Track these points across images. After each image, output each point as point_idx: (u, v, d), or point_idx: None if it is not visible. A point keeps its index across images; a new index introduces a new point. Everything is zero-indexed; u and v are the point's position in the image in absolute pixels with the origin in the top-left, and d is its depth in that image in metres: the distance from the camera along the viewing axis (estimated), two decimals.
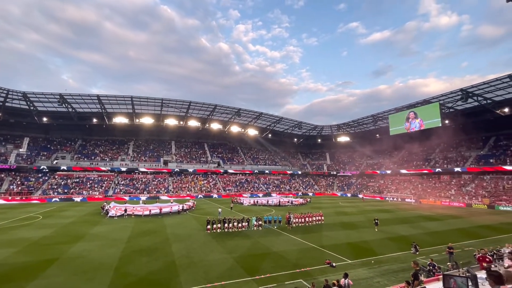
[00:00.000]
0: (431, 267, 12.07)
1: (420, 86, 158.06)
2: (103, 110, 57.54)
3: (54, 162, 55.16)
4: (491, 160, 48.96)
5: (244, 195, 58.70)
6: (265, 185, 69.00)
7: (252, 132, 75.97)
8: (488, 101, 46.57)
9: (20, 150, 54.91)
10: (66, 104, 52.71)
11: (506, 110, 47.07)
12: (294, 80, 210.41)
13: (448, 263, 13.48)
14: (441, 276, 4.89)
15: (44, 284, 11.65)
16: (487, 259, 10.59)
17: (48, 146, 59.58)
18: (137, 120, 63.72)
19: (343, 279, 10.21)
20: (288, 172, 77.27)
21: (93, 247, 17.57)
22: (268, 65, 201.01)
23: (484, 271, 6.08)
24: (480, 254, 11.42)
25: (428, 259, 13.65)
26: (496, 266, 7.07)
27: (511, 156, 47.09)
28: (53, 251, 16.51)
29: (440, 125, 51.26)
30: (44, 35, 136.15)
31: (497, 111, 47.62)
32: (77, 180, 54.51)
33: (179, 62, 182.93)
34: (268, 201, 46.72)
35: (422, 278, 9.50)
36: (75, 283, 11.82)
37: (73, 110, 56.30)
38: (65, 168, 54.73)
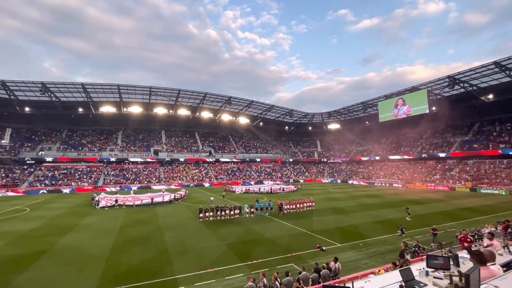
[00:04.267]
0: (416, 248, 12.61)
1: (408, 73, 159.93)
2: (88, 99, 55.65)
3: (40, 154, 53.54)
4: (475, 145, 50.67)
5: (254, 184, 58.89)
6: (257, 173, 69.46)
7: (243, 120, 75.52)
8: (474, 88, 47.65)
9: (3, 141, 52.82)
10: (49, 93, 50.61)
11: (490, 96, 48.41)
12: (284, 68, 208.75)
13: (432, 244, 14.11)
14: (425, 256, 5.08)
15: (34, 276, 11.55)
16: (468, 239, 11.11)
17: (33, 137, 57.56)
18: (125, 109, 62.09)
19: (333, 262, 10.54)
20: (280, 160, 77.90)
21: (84, 238, 17.43)
22: (258, 52, 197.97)
23: (465, 251, 6.37)
24: (462, 235, 11.97)
25: (414, 240, 14.23)
26: (476, 246, 7.42)
27: (493, 141, 48.83)
28: (43, 243, 16.29)
29: (428, 111, 52.37)
30: (22, 21, 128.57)
31: (482, 98, 48.93)
32: (65, 171, 53.30)
33: (166, 50, 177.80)
34: (260, 188, 47.20)
35: (408, 257, 9.94)
36: (66, 274, 11.76)
37: (57, 99, 54.20)
38: (51, 160, 53.27)
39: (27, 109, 54.68)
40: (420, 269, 4.72)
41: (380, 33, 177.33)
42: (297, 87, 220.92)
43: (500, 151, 45.81)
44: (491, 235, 7.26)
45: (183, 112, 66.44)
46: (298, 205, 27.42)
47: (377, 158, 67.61)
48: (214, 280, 11.13)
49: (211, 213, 23.45)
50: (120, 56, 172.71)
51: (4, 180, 46.92)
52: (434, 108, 55.07)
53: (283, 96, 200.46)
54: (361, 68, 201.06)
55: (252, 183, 60.45)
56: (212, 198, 32.47)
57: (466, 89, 48.01)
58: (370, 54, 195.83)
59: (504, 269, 4.56)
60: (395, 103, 58.42)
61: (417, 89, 54.13)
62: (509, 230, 10.52)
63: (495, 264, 4.17)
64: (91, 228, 20.24)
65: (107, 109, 59.98)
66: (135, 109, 62.33)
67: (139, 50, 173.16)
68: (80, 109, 59.02)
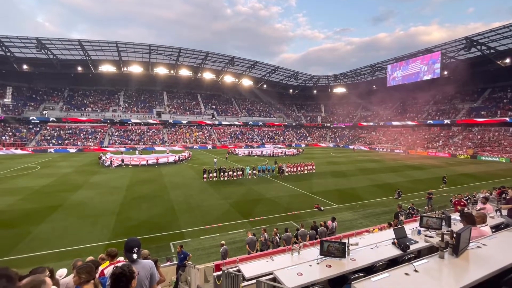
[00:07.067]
0: (411, 210, 13.19)
1: (422, 34, 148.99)
2: (87, 57, 53.86)
3: (44, 113, 53.67)
4: (482, 113, 49.62)
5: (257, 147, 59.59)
6: (260, 137, 69.94)
7: (246, 82, 73.58)
8: (492, 51, 44.96)
9: (5, 100, 52.66)
10: (46, 50, 48.89)
11: (508, 60, 45.94)
12: (290, 26, 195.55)
13: (426, 207, 14.74)
14: (419, 217, 5.32)
15: (51, 227, 12.46)
16: (462, 203, 11.53)
17: (34, 96, 57.12)
18: (125, 69, 60.41)
19: (330, 221, 11.14)
20: (283, 123, 77.71)
21: (94, 195, 18.35)
22: (263, 8, 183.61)
23: (457, 213, 6.64)
24: (456, 199, 12.41)
25: (409, 203, 14.82)
26: (469, 209, 7.72)
27: (502, 109, 47.64)
28: (56, 198, 17.23)
29: (439, 75, 50.28)
30: None
31: (498, 62, 46.49)
32: (70, 131, 54.01)
33: (166, 4, 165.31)
34: (262, 151, 47.94)
35: (402, 218, 10.48)
36: (80, 226, 12.66)
37: (55, 57, 52.53)
38: (55, 119, 53.60)
39: (25, 66, 53.39)
40: (413, 228, 4.98)
41: None
42: (303, 47, 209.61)
43: (507, 119, 44.95)
44: (485, 200, 7.50)
45: (184, 72, 64.55)
46: (299, 168, 28.09)
47: (381, 123, 67.06)
48: (218, 234, 11.96)
49: (214, 174, 24.23)
50: (117, 11, 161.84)
51: (12, 139, 47.94)
52: (446, 73, 52.73)
53: (288, 57, 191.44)
54: (372, 28, 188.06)
55: (255, 146, 61.25)
56: (215, 160, 33.22)
57: (483, 52, 45.32)
58: (382, 12, 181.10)
59: (494, 230, 4.80)
60: (406, 66, 55.90)
61: (430, 51, 51.28)
62: (503, 195, 10.84)
63: (486, 225, 4.36)
64: (100, 186, 21.19)
65: (107, 68, 58.36)
66: (136, 69, 60.60)
67: (136, 5, 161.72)
68: (80, 68, 57.48)
